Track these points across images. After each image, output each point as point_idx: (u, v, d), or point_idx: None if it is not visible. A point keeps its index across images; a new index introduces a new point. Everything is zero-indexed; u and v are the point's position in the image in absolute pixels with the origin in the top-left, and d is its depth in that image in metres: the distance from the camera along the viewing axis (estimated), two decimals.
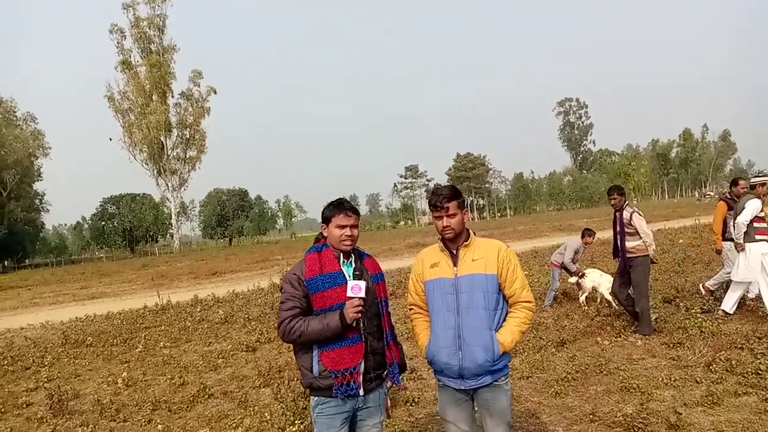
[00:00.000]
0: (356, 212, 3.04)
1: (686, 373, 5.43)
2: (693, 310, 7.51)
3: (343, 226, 2.96)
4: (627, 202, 7.11)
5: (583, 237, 9.37)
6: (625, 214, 6.94)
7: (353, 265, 3.00)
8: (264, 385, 6.41)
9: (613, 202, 7.09)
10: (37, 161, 66.08)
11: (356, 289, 2.83)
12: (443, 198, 2.99)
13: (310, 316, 2.89)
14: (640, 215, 7.00)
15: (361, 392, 2.92)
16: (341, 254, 3.00)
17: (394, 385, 3.14)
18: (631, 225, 6.91)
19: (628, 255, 6.99)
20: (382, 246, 33.29)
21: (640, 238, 6.95)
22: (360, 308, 2.82)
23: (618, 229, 7.05)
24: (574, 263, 9.42)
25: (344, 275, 2.93)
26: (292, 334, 2.86)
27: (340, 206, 3.00)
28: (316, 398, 2.95)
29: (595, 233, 9.60)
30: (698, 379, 5.20)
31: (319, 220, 3.12)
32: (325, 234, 3.05)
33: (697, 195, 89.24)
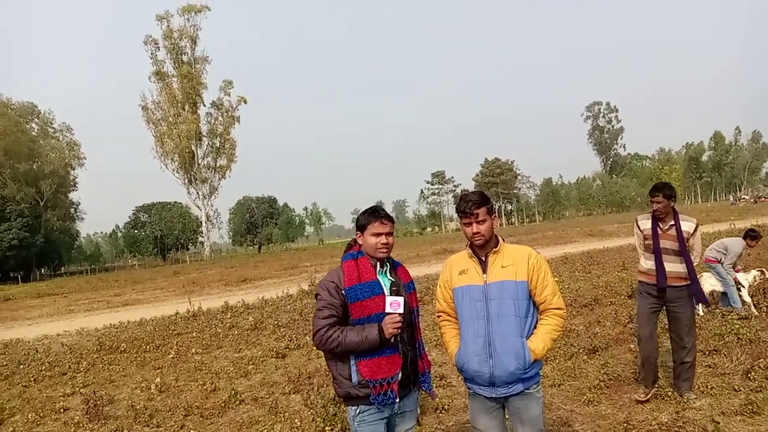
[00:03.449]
0: (391, 219, 3.04)
1: (723, 381, 5.30)
2: (729, 317, 7.33)
3: (378, 234, 2.96)
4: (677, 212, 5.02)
5: (746, 238, 8.11)
6: (686, 226, 4.93)
7: (388, 275, 3.02)
8: (294, 392, 6.45)
9: (656, 206, 4.96)
10: (73, 171, 67.79)
11: (395, 305, 2.84)
12: (472, 204, 2.96)
13: (348, 327, 2.88)
14: None
15: (397, 400, 2.94)
16: (377, 262, 3.01)
17: (426, 394, 3.17)
18: (687, 241, 4.94)
19: (680, 284, 4.95)
20: (409, 252, 33.23)
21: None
22: (399, 324, 2.84)
23: (680, 246, 4.90)
24: (733, 269, 8.20)
25: (381, 285, 2.95)
26: (329, 343, 2.85)
27: (375, 214, 2.99)
28: (355, 407, 2.93)
29: (760, 236, 8.32)
30: (736, 387, 5.07)
31: (347, 227, 3.12)
32: (359, 241, 3.04)
33: (731, 199, 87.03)
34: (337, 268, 3.03)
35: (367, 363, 2.86)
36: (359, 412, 2.92)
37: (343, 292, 2.91)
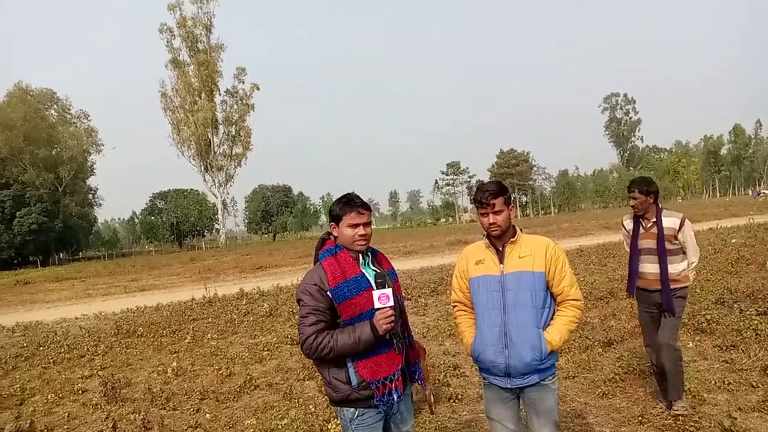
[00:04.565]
0: (368, 208, 2.83)
1: (741, 376, 5.24)
2: (748, 312, 7.24)
3: (355, 225, 2.74)
4: (662, 207, 4.67)
5: None
6: (669, 222, 4.53)
7: (370, 265, 2.84)
8: (308, 378, 6.50)
9: (633, 202, 4.65)
10: (91, 157, 68.53)
11: (384, 298, 2.66)
12: (489, 194, 2.93)
13: (338, 330, 2.68)
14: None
15: (401, 398, 2.81)
16: (359, 254, 2.81)
17: (418, 385, 3.00)
18: (675, 239, 4.53)
19: (674, 286, 4.53)
20: (423, 243, 33.21)
21: (684, 258, 4.61)
22: (392, 318, 2.67)
23: (657, 245, 4.53)
24: None
25: (367, 278, 2.76)
26: (321, 351, 2.63)
27: (351, 203, 2.77)
28: (352, 410, 2.74)
29: None
30: (754, 384, 5.01)
31: None
32: (335, 234, 2.83)
33: (750, 192, 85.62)
34: (316, 268, 2.78)
35: (366, 363, 2.68)
36: (358, 415, 2.73)
37: (328, 293, 2.68)
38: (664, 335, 4.58)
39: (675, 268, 4.52)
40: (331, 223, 2.83)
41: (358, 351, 2.65)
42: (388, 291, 2.69)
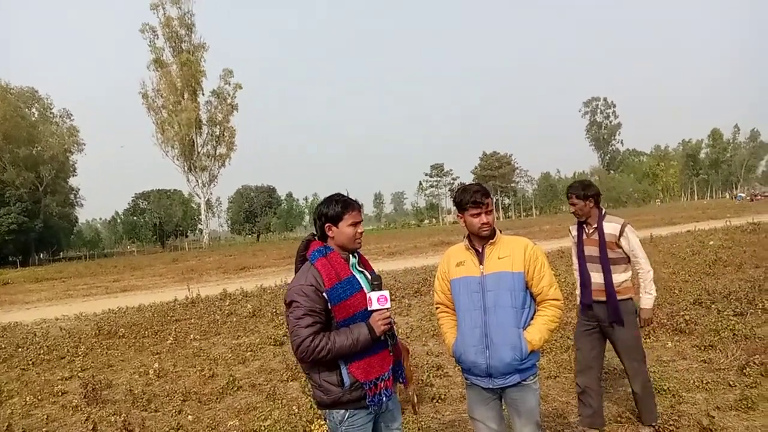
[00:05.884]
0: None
1: (718, 376, 5.33)
2: (725, 313, 7.36)
3: (356, 224, 2.79)
4: (605, 211, 4.34)
5: None
6: (609, 228, 4.21)
7: (357, 267, 2.87)
8: (291, 379, 6.49)
9: (572, 209, 4.32)
10: (72, 157, 67.73)
11: (382, 300, 2.70)
12: (482, 194, 2.98)
13: (334, 332, 2.67)
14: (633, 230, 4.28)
15: (390, 397, 2.84)
16: (348, 255, 2.84)
17: (401, 384, 3.06)
18: (618, 247, 4.21)
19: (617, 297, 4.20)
20: (407, 244, 33.26)
21: (629, 268, 4.30)
22: (389, 319, 2.72)
23: (600, 253, 4.22)
24: None
25: (357, 280, 2.77)
26: (317, 353, 2.59)
27: (350, 203, 2.80)
28: (342, 411, 2.72)
29: None
30: (731, 383, 5.10)
31: None
32: (330, 234, 2.79)
33: (728, 195, 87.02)
34: (307, 269, 2.74)
35: (359, 364, 2.68)
36: (348, 416, 2.72)
37: (324, 294, 2.65)
38: (632, 362, 4.29)
39: (615, 278, 4.18)
40: (327, 224, 2.79)
41: (355, 352, 2.66)
42: (386, 293, 2.73)
